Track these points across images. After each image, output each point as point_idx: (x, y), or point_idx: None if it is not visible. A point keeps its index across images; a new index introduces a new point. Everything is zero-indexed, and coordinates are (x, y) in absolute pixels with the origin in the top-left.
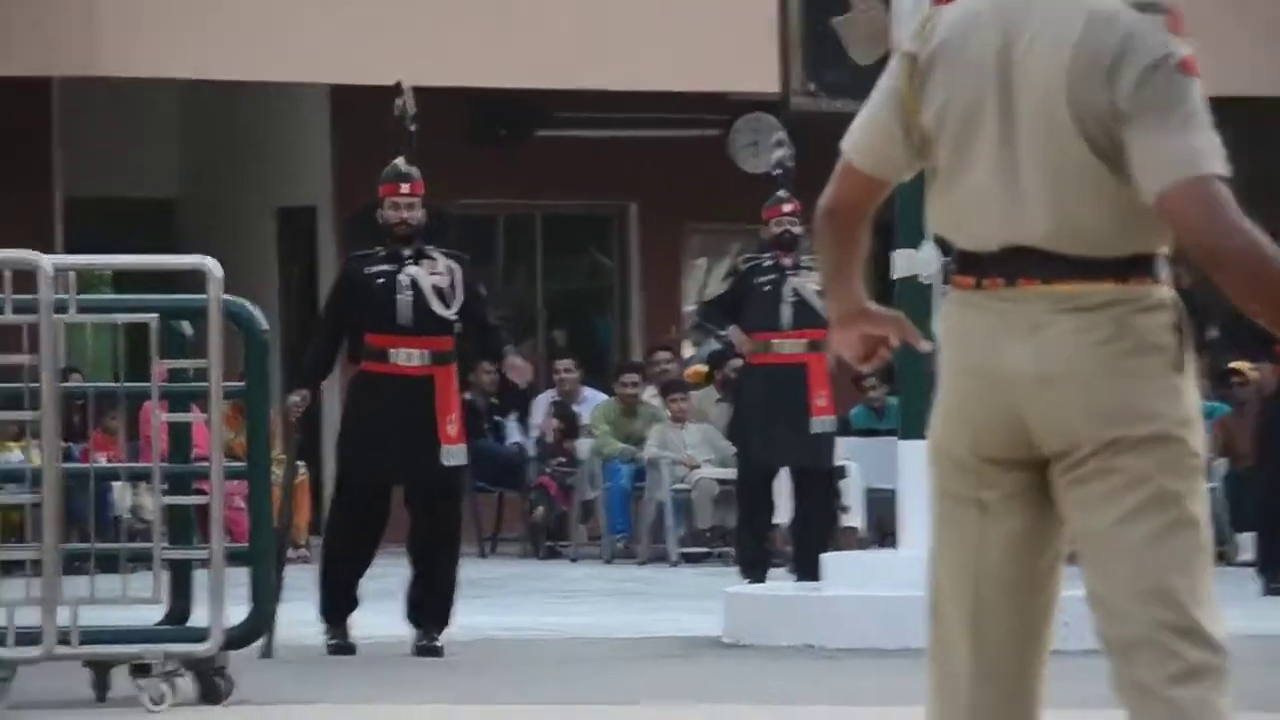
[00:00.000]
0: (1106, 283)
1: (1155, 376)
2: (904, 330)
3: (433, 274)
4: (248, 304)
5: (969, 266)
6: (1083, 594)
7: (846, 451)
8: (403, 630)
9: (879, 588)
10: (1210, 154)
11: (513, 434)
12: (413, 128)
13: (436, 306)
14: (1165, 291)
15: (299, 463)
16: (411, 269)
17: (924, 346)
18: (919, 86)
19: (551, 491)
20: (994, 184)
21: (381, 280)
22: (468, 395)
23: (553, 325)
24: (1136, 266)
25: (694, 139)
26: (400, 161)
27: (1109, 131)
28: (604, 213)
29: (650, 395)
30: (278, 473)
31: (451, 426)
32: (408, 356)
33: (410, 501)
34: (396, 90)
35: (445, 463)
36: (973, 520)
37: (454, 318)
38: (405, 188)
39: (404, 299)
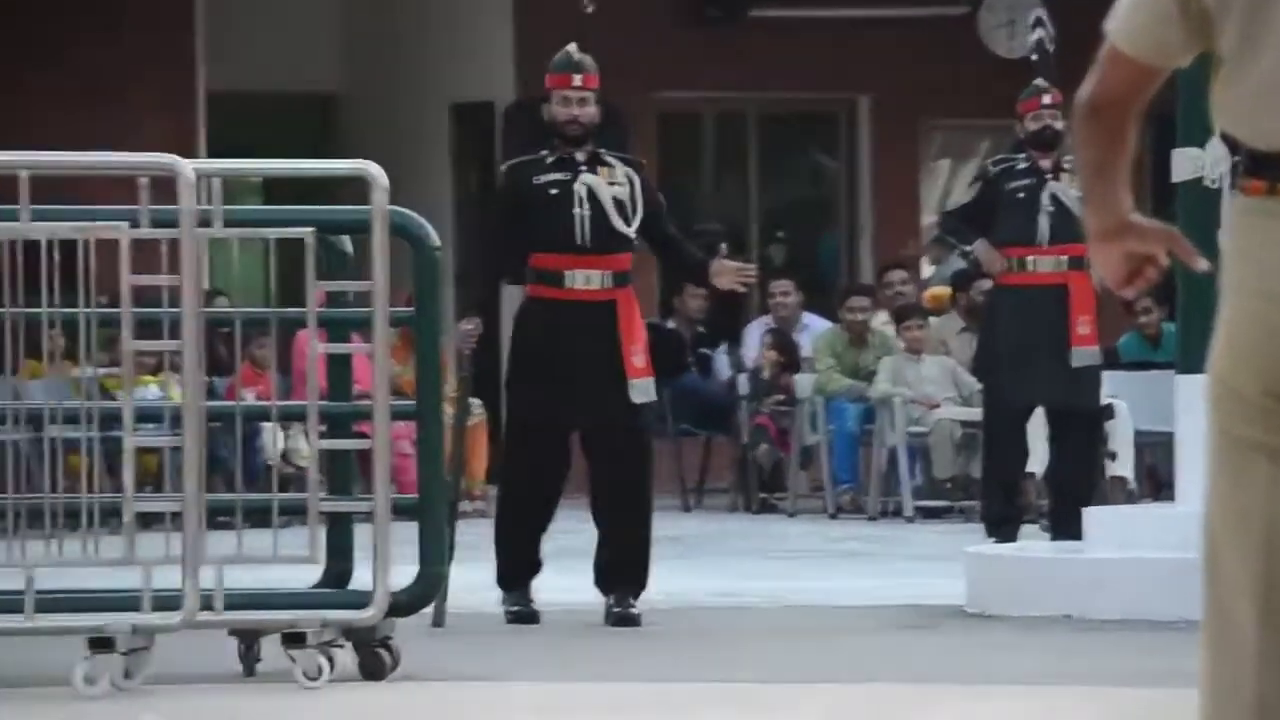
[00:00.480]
0: None
1: None
2: (1177, 246)
3: (611, 183)
4: (417, 216)
5: (1262, 168)
6: None
7: (1114, 388)
8: (592, 596)
9: (1151, 549)
10: None
11: (722, 368)
12: (590, 7)
13: (617, 222)
14: None
15: (474, 401)
16: (588, 178)
17: (1201, 266)
18: None
19: (770, 434)
20: None
21: (555, 191)
22: (671, 323)
23: (768, 240)
24: None
25: (936, 18)
26: (573, 48)
27: None
28: (829, 108)
29: (882, 322)
30: (450, 412)
31: (638, 357)
32: (586, 279)
33: (593, 446)
34: None
35: (633, 399)
36: (1261, 470)
37: (634, 234)
38: (578, 79)
39: (581, 214)
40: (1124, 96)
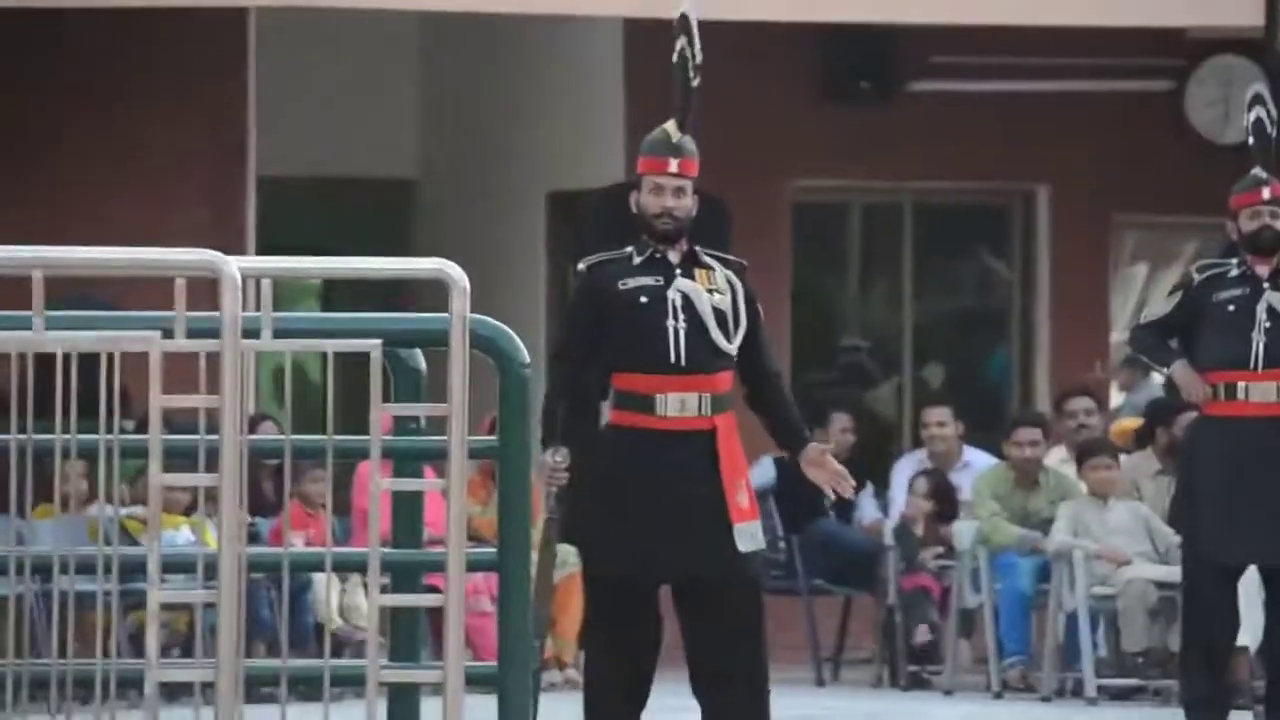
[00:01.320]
0: None
1: None
2: None
3: (712, 291)
4: (504, 327)
5: None
6: None
7: None
8: None
9: None
10: None
11: (866, 512)
12: (695, 80)
13: (717, 336)
14: None
15: (566, 547)
16: (684, 283)
17: None
18: None
19: (932, 598)
20: None
21: (644, 300)
22: None
23: (924, 358)
24: None
25: (1132, 94)
26: (670, 127)
27: None
28: (1001, 199)
29: (1059, 460)
30: (535, 562)
31: (742, 496)
32: (681, 404)
33: (690, 606)
34: (677, 28)
35: (739, 547)
36: None
37: (734, 351)
38: (674, 164)
39: (676, 326)
40: None
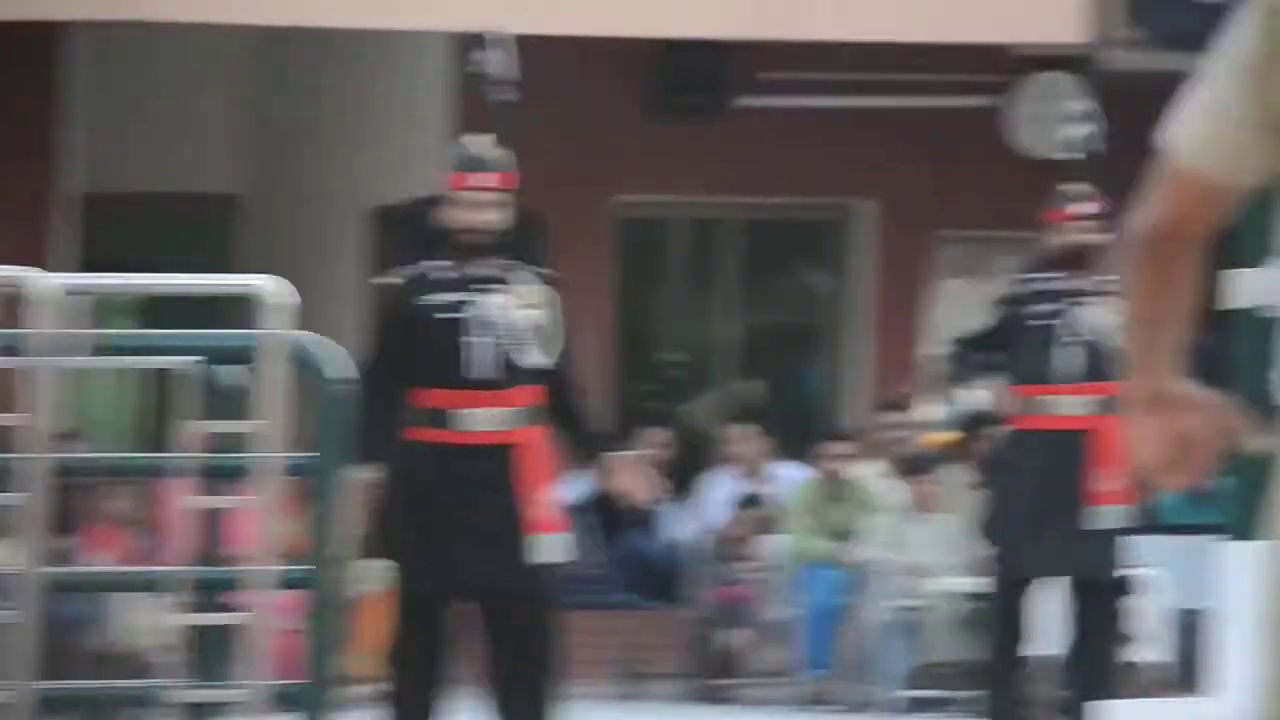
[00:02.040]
0: None
1: None
2: (1233, 425)
3: (522, 306)
4: (322, 341)
5: None
6: None
7: (1149, 555)
8: None
9: None
10: None
11: (673, 526)
12: (509, 96)
13: (521, 351)
14: None
15: (373, 564)
16: (488, 300)
17: (1264, 445)
18: None
19: (745, 606)
20: None
21: (445, 315)
22: None
23: (745, 371)
24: None
25: (955, 111)
26: (481, 141)
27: None
28: (822, 214)
29: (877, 474)
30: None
31: (541, 508)
32: (480, 419)
33: (485, 619)
34: (490, 43)
35: (540, 558)
36: None
37: (548, 364)
38: (482, 179)
39: (477, 341)
40: (1186, 225)
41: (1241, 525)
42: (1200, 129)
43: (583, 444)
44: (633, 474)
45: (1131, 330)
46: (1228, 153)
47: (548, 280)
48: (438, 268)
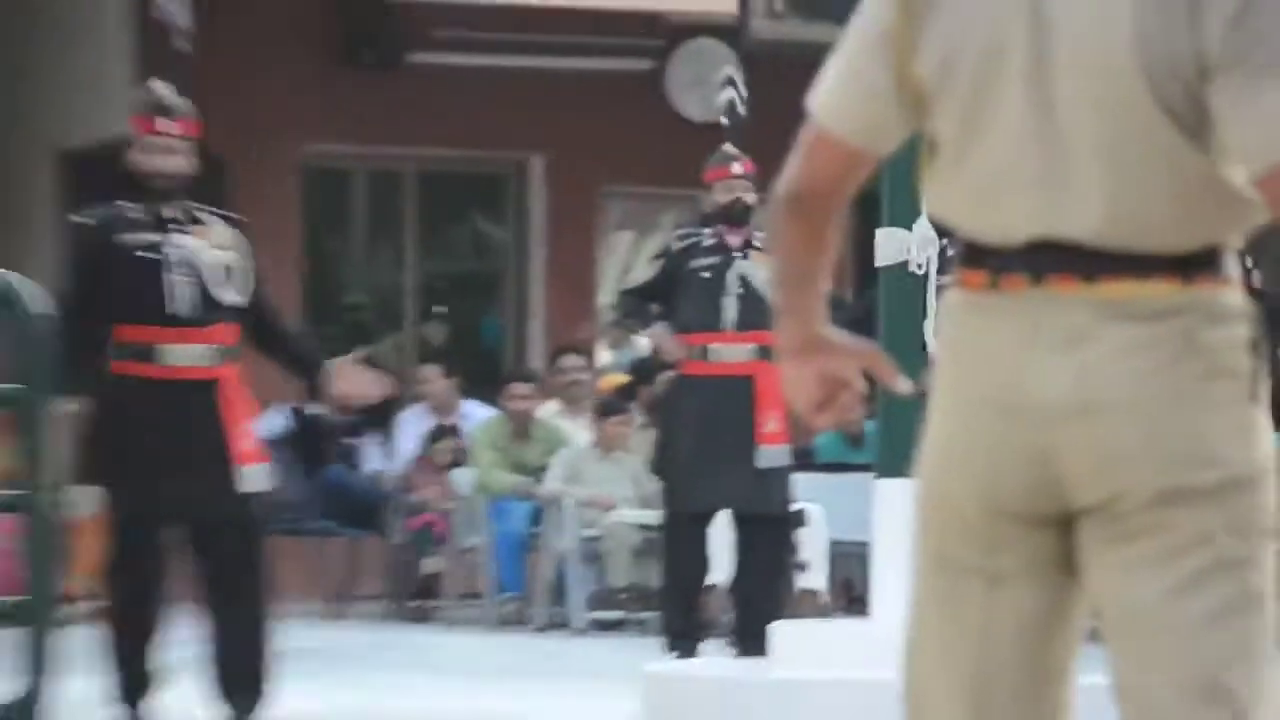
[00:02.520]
0: (1170, 282)
1: (1228, 408)
2: (879, 367)
3: (214, 247)
4: (17, 276)
5: (981, 259)
6: (1100, 682)
7: (807, 491)
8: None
9: (843, 667)
10: None
11: (373, 460)
12: (185, 46)
13: (216, 290)
14: (1237, 295)
15: (83, 489)
16: (183, 240)
17: (905, 388)
18: (917, 24)
19: (435, 534)
20: (1023, 160)
21: (142, 255)
22: (320, 410)
23: (425, 318)
24: (1205, 262)
25: (618, 73)
26: (160, 86)
27: (1189, 86)
28: (498, 168)
29: (552, 412)
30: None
31: (245, 440)
32: (185, 354)
33: (197, 545)
34: None
35: (246, 488)
36: (977, 596)
37: (243, 303)
38: (171, 125)
39: (178, 279)
40: (829, 185)
41: (887, 465)
42: (840, 97)
43: (303, 363)
44: (360, 376)
45: (781, 283)
46: (865, 121)
47: (235, 224)
48: (132, 209)
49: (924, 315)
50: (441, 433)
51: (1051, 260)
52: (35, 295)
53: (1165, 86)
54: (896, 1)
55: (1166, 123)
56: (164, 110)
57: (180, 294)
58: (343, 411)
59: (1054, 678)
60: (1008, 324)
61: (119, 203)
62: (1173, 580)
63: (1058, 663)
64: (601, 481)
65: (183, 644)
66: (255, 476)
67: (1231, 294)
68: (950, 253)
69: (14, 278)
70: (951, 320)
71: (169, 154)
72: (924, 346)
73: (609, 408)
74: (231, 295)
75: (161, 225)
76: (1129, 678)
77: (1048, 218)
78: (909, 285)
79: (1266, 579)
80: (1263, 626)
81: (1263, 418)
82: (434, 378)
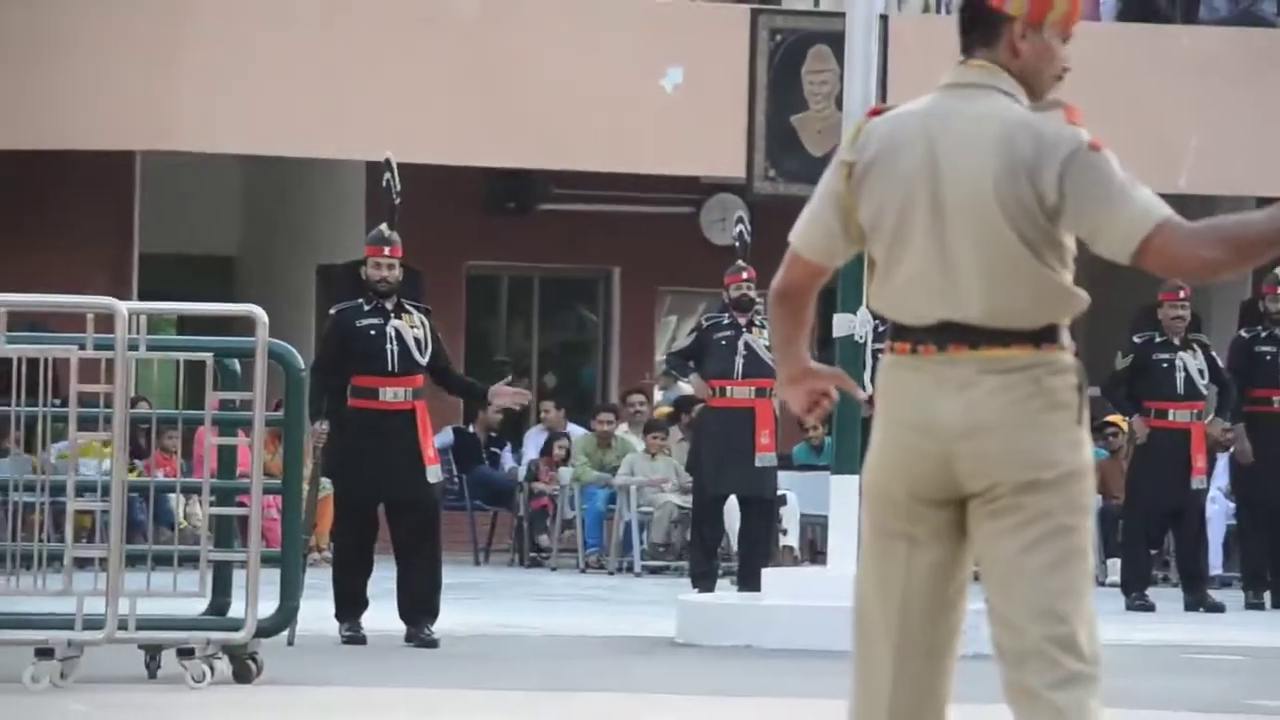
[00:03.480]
0: (1025, 349)
1: (1062, 429)
2: (844, 383)
3: (412, 327)
4: (289, 346)
5: (905, 336)
6: (982, 608)
7: (787, 483)
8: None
9: (810, 599)
10: (1155, 202)
11: (508, 461)
12: (397, 200)
13: (416, 355)
14: (1069, 356)
15: (325, 480)
16: (396, 323)
17: (860, 395)
18: (856, 189)
19: (549, 511)
20: (929, 272)
21: (373, 332)
22: (471, 428)
23: (544, 371)
24: (1048, 335)
25: (670, 215)
26: (384, 227)
27: (1035, 222)
28: (592, 275)
29: (624, 431)
30: (306, 489)
31: (431, 450)
32: (395, 393)
33: (397, 514)
34: (385, 165)
35: (430, 480)
36: (902, 551)
37: (425, 362)
38: (387, 250)
39: (392, 348)
40: (803, 287)
41: (840, 466)
42: (807, 232)
43: (471, 390)
44: (508, 391)
45: (778, 344)
46: (822, 248)
47: (425, 312)
48: (365, 303)
49: (864, 368)
50: (553, 442)
51: (950, 335)
52: (296, 357)
53: (1018, 223)
54: (842, 176)
55: (1020, 246)
56: (384, 241)
57: (395, 356)
58: (487, 430)
59: (952, 604)
60: (923, 376)
61: (359, 300)
62: (1024, 541)
63: (954, 593)
64: (655, 474)
65: (385, 580)
66: (434, 472)
67: (1065, 355)
68: (882, 330)
69: (286, 345)
70: (886, 374)
71: (389, 269)
72: (864, 388)
73: (651, 426)
74: (421, 358)
75: (384, 313)
76: (997, 606)
77: (947, 307)
78: (854, 350)
79: (1089, 539)
80: (1086, 571)
81: (1085, 434)
82: (550, 409)
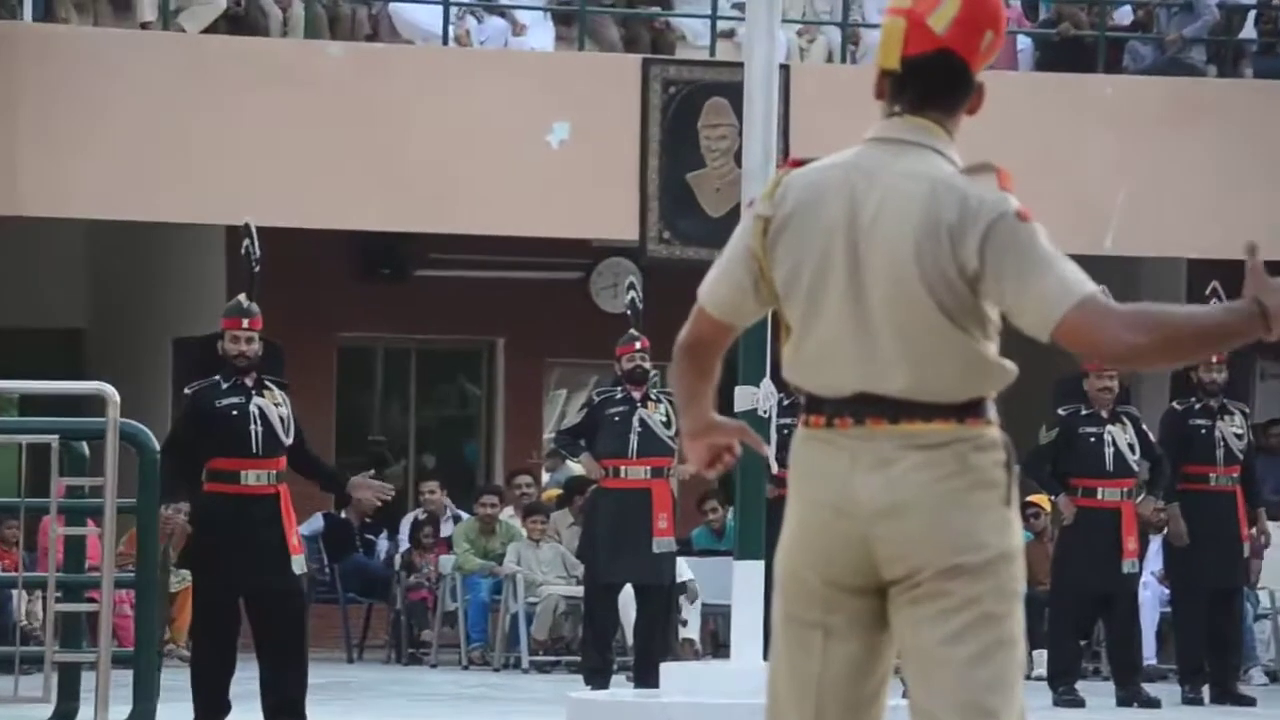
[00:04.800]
0: (948, 423)
1: (989, 509)
2: (748, 437)
3: (275, 405)
4: (142, 427)
5: (820, 408)
6: (902, 703)
7: (687, 569)
8: None
9: (712, 696)
10: (1080, 278)
11: (383, 549)
12: (257, 268)
13: (281, 435)
14: (995, 431)
15: (183, 571)
16: (258, 400)
17: (766, 451)
18: (770, 247)
19: (427, 603)
20: (846, 340)
21: (235, 413)
22: (343, 514)
23: (423, 449)
24: (972, 409)
25: (557, 281)
26: (242, 298)
27: (955, 290)
28: (474, 347)
29: (509, 515)
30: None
31: (295, 538)
32: (258, 477)
33: (260, 607)
34: (244, 231)
35: (295, 570)
36: (817, 642)
37: (289, 442)
38: (246, 323)
39: (256, 429)
40: (710, 343)
41: (742, 551)
42: (716, 287)
43: (333, 480)
44: (371, 485)
45: (681, 399)
46: (730, 305)
47: (283, 386)
48: (222, 380)
49: (767, 442)
50: (421, 529)
51: (868, 408)
52: (150, 438)
53: (938, 290)
54: (757, 232)
55: (940, 315)
56: (242, 313)
57: (259, 437)
58: (361, 516)
59: (871, 700)
60: (839, 451)
61: (216, 378)
62: (949, 631)
63: (874, 689)
64: (541, 564)
65: (248, 680)
66: (299, 562)
67: (991, 430)
68: (788, 404)
69: (139, 426)
70: (800, 448)
71: (246, 343)
72: (766, 464)
73: (532, 510)
74: (286, 437)
75: (245, 391)
76: (920, 701)
77: (865, 379)
78: (757, 425)
79: (1019, 628)
80: (1016, 661)
81: (1014, 515)
82: (436, 489)
